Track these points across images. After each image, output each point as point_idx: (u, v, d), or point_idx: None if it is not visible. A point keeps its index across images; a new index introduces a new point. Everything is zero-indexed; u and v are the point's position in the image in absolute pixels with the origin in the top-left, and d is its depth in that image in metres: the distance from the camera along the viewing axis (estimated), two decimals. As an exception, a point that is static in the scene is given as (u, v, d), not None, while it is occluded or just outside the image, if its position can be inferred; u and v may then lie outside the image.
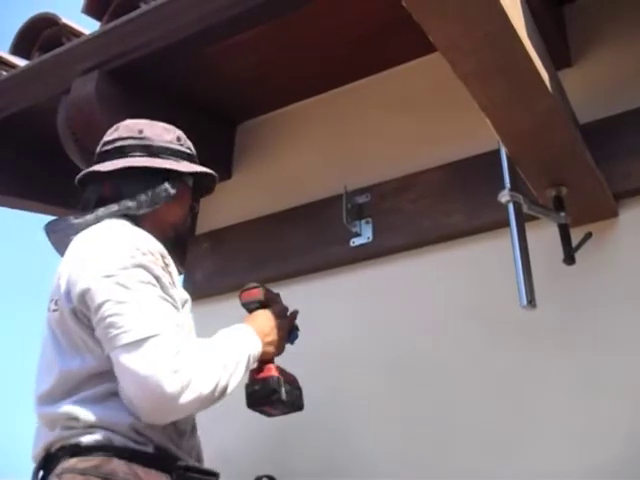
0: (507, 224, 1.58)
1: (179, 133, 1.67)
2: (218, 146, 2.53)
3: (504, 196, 1.56)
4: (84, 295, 1.35)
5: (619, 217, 1.76)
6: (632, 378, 1.59)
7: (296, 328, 1.71)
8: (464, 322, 1.85)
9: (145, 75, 2.16)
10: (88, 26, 2.42)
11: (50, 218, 2.66)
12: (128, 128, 1.62)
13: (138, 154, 1.58)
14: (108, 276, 1.35)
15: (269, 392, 1.56)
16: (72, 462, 1.28)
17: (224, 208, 2.44)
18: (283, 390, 1.57)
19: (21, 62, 2.50)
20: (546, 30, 1.70)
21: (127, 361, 1.29)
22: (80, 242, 1.47)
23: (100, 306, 1.33)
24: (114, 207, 1.52)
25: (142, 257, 1.39)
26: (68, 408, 1.35)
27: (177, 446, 1.39)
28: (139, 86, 2.19)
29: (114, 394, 1.34)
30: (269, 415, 1.66)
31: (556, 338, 1.71)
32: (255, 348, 1.51)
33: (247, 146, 2.56)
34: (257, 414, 1.96)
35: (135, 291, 1.34)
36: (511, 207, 1.56)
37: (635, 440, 1.53)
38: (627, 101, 1.82)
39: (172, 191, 1.57)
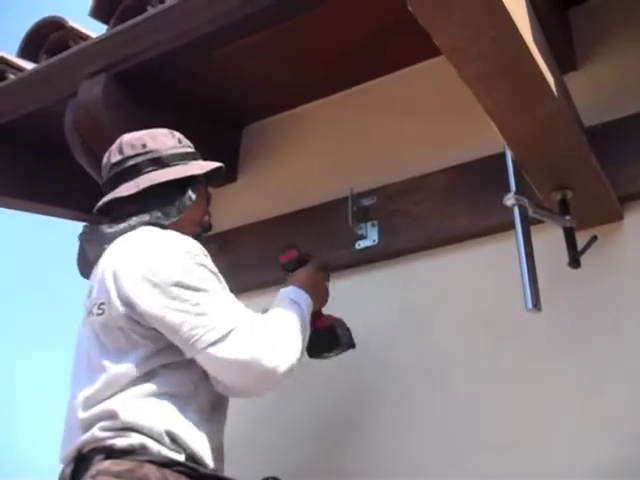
0: (512, 227, 1.58)
1: (178, 135, 1.71)
2: (224, 148, 2.54)
3: (509, 199, 1.56)
4: (151, 303, 1.41)
5: (624, 220, 1.76)
6: (636, 381, 1.59)
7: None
8: (469, 325, 1.85)
9: (152, 78, 2.16)
10: (95, 29, 2.44)
11: (54, 220, 2.72)
12: (131, 145, 1.65)
13: (151, 168, 1.62)
14: (175, 283, 1.43)
15: (328, 340, 1.72)
16: (106, 464, 1.32)
17: (230, 210, 2.44)
18: (338, 333, 1.73)
19: (28, 65, 2.52)
20: (552, 33, 1.70)
21: (222, 354, 1.39)
22: (125, 249, 1.52)
23: (176, 314, 1.40)
24: (146, 217, 1.58)
25: (197, 257, 1.49)
26: (109, 405, 1.39)
27: (210, 449, 1.45)
28: (146, 89, 2.19)
29: (153, 395, 1.40)
30: (325, 358, 1.78)
31: (560, 341, 1.71)
32: (309, 305, 1.61)
33: (253, 149, 2.57)
34: (260, 414, 1.98)
35: (203, 290, 1.44)
36: (516, 210, 1.56)
37: (637, 442, 1.54)
38: (633, 104, 1.82)
39: (194, 196, 1.64)
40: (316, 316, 1.69)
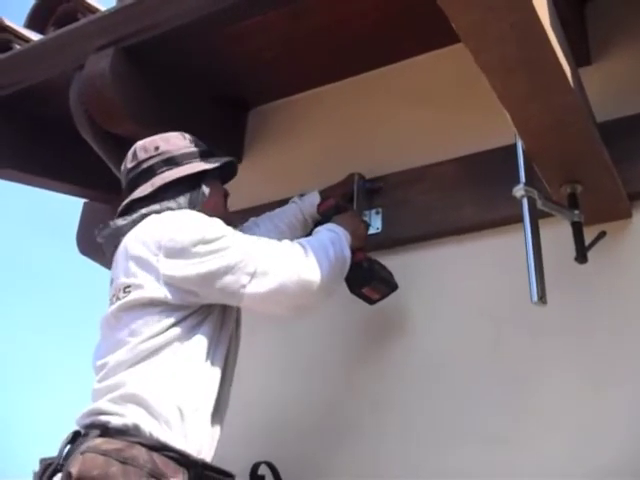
0: (519, 220, 1.57)
1: (189, 136, 1.78)
2: (229, 129, 2.52)
3: (519, 190, 1.54)
4: (184, 268, 1.50)
5: (633, 218, 1.74)
6: (639, 379, 1.58)
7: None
8: (472, 317, 1.84)
9: (160, 54, 2.14)
10: (104, 2, 2.41)
11: (57, 195, 2.70)
12: (144, 149, 1.73)
13: (165, 168, 1.70)
14: (198, 242, 1.51)
15: (364, 272, 1.77)
16: (97, 442, 1.36)
17: (234, 192, 2.40)
18: (376, 268, 1.79)
19: (35, 36, 2.49)
20: (567, 27, 1.68)
21: (260, 288, 1.49)
22: (142, 232, 1.59)
23: (208, 265, 1.49)
24: (156, 207, 1.64)
25: (207, 217, 1.58)
26: (121, 377, 1.45)
27: (211, 432, 1.51)
28: (154, 64, 2.17)
29: (166, 370, 1.46)
30: (371, 301, 1.85)
31: (565, 336, 1.70)
32: (346, 235, 1.70)
33: (259, 131, 2.54)
34: (257, 402, 1.97)
35: (225, 236, 1.53)
36: (525, 202, 1.54)
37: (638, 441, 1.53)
38: (646, 101, 1.80)
39: (208, 190, 1.70)
40: (354, 253, 1.73)
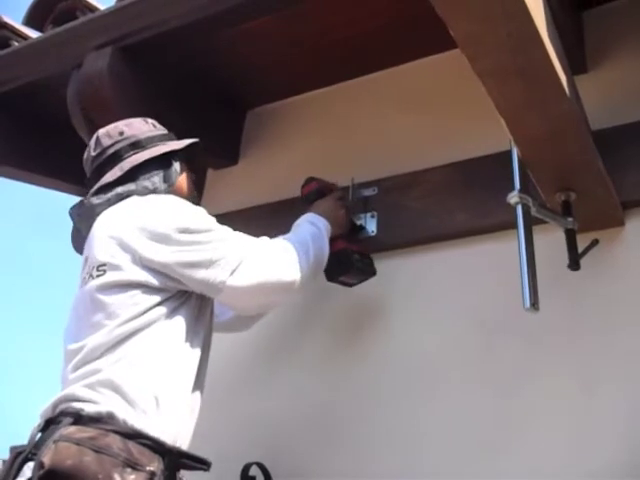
0: (512, 227, 1.58)
1: (151, 121, 1.79)
2: (226, 130, 2.52)
3: (513, 197, 1.55)
4: (165, 254, 1.49)
5: (626, 226, 1.75)
6: (631, 385, 1.59)
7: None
8: (464, 322, 1.85)
9: (158, 54, 2.14)
10: (103, 1, 2.42)
11: (48, 192, 2.69)
12: (108, 135, 1.71)
13: (132, 152, 1.68)
14: (183, 230, 1.52)
15: (341, 263, 1.83)
16: (70, 430, 1.32)
17: (229, 194, 2.43)
18: (353, 259, 1.84)
19: (34, 34, 2.49)
20: (564, 35, 1.69)
21: (240, 282, 1.51)
22: (122, 213, 1.57)
23: (191, 256, 1.50)
24: (132, 186, 1.63)
25: (194, 206, 1.60)
26: (98, 365, 1.41)
27: (190, 419, 1.49)
28: (152, 64, 2.17)
29: (142, 357, 1.43)
30: (350, 285, 1.92)
31: (557, 342, 1.71)
32: (326, 228, 1.77)
33: (255, 133, 2.55)
34: (247, 403, 1.97)
35: (210, 230, 1.55)
36: (519, 209, 1.55)
37: (633, 443, 1.53)
38: (641, 110, 1.81)
39: (179, 167, 1.71)
40: (333, 241, 1.78)
